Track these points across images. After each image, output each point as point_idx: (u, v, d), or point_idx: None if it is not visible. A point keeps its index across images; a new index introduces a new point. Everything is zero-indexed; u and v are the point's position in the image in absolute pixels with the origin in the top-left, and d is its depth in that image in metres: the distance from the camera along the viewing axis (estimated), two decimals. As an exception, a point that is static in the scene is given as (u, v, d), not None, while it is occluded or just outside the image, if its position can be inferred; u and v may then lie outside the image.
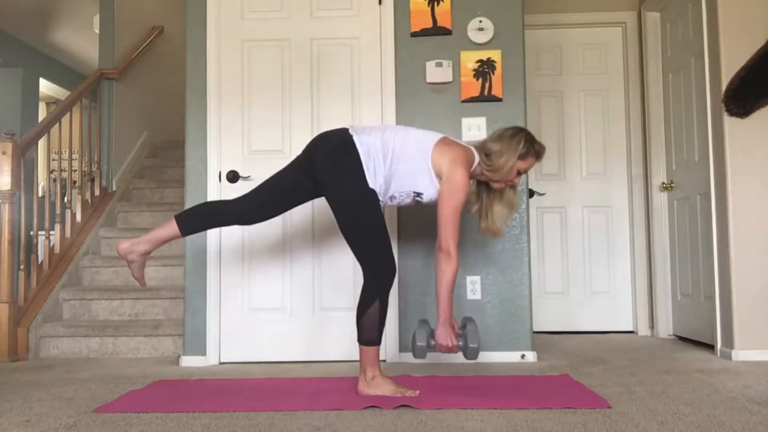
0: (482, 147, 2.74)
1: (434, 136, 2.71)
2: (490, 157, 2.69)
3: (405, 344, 3.52)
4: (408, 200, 2.72)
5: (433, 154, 2.64)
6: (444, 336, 2.61)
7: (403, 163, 2.64)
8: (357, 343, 2.62)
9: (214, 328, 3.57)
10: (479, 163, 2.71)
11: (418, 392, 2.56)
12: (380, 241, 2.61)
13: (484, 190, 2.84)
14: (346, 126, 2.74)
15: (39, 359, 3.91)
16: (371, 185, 2.62)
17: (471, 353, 2.61)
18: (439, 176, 2.64)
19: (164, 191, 5.50)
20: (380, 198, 2.68)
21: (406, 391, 2.54)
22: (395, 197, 2.70)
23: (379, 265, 2.59)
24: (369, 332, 2.58)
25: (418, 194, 2.68)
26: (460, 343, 2.62)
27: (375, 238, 2.60)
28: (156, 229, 2.81)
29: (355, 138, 2.64)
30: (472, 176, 2.74)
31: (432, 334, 2.65)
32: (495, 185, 2.77)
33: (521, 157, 2.69)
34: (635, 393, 2.58)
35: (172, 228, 2.77)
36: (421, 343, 2.62)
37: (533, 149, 2.72)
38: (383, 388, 2.55)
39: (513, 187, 2.79)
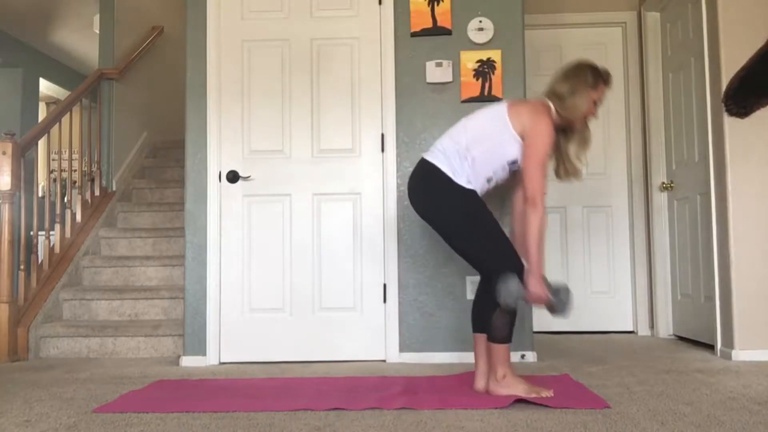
0: (551, 93, 2.70)
1: (501, 104, 2.69)
2: (563, 99, 2.66)
3: (405, 344, 3.52)
4: (504, 174, 2.67)
5: (511, 118, 2.61)
6: (535, 284, 2.51)
7: (482, 144, 2.61)
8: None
9: (214, 328, 3.57)
10: (555, 110, 2.67)
11: (551, 391, 2.49)
12: (498, 238, 2.58)
13: (560, 137, 2.77)
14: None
15: (39, 359, 3.91)
16: (465, 186, 2.60)
17: (559, 306, 2.52)
18: (523, 136, 2.60)
19: (164, 191, 5.50)
20: (479, 190, 2.65)
21: (540, 390, 2.48)
22: (492, 178, 2.66)
23: (504, 261, 2.54)
24: (500, 330, 2.53)
25: (512, 162, 2.63)
26: (552, 298, 2.53)
27: (491, 237, 2.57)
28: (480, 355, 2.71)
29: (427, 157, 2.67)
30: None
31: (521, 284, 2.52)
32: (577, 124, 2.72)
33: (593, 87, 2.67)
34: (635, 393, 2.58)
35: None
36: (512, 288, 2.48)
37: (601, 77, 2.70)
38: (515, 387, 2.50)
39: (586, 123, 2.77)
